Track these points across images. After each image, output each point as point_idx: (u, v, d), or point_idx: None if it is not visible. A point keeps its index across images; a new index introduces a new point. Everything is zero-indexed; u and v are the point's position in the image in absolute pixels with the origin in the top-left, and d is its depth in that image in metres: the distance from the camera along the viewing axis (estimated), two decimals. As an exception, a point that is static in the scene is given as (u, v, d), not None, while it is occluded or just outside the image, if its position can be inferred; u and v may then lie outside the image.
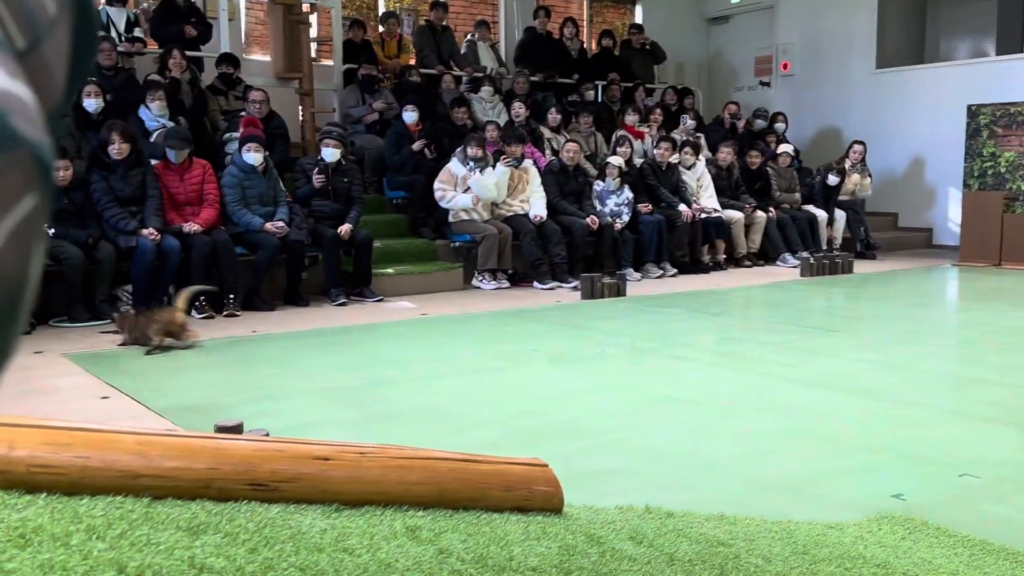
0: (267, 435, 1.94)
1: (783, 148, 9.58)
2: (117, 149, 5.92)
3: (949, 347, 5.18)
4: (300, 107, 8.61)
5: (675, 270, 8.29)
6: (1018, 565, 2.12)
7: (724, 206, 8.90)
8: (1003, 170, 8.84)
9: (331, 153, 6.75)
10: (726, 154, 9.09)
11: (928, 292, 7.52)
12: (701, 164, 8.96)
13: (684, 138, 9.34)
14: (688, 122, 9.88)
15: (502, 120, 8.72)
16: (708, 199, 8.82)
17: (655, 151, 8.70)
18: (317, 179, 6.68)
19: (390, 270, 7.15)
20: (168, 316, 4.97)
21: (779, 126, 10.44)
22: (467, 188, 7.48)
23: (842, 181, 9.60)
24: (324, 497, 1.65)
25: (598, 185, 8.22)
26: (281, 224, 6.40)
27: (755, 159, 9.32)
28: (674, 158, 8.75)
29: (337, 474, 1.67)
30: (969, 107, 9.16)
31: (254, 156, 6.42)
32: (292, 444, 1.71)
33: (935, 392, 3.96)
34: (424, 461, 1.80)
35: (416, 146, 7.97)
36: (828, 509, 2.52)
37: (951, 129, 9.88)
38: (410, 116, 8.06)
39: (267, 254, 6.30)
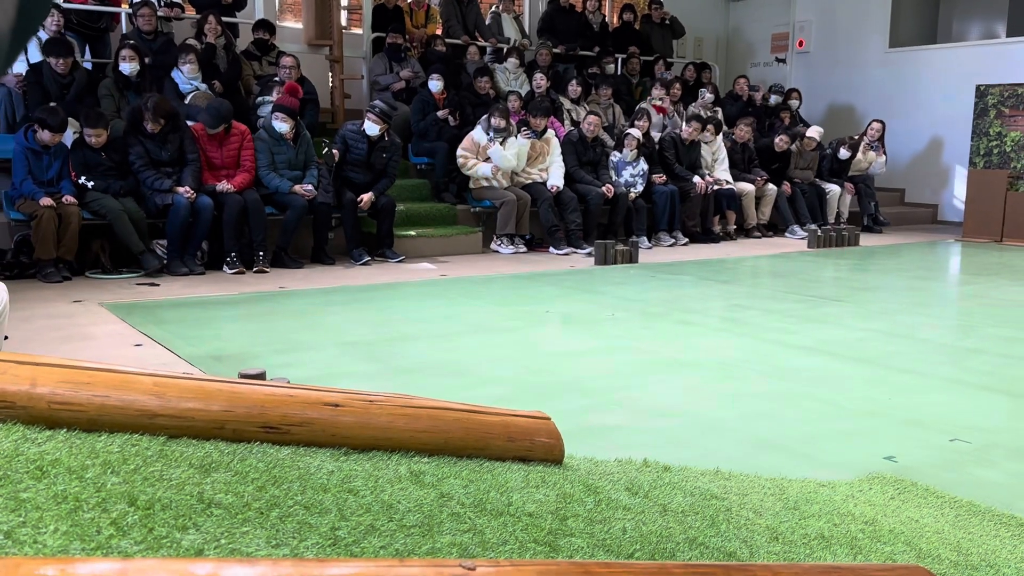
0: (288, 383, 1.94)
1: (812, 132, 9.31)
2: (151, 127, 5.89)
3: (948, 318, 5.11)
4: (330, 73, 8.56)
5: (686, 239, 8.22)
6: (1002, 526, 2.09)
7: (736, 179, 8.79)
8: (1008, 149, 8.66)
9: (372, 128, 6.65)
10: (744, 131, 8.95)
11: (931, 266, 7.42)
12: (719, 139, 8.83)
13: (705, 113, 9.19)
14: (707, 96, 9.72)
15: (524, 91, 8.62)
16: (721, 172, 8.71)
17: (685, 128, 8.51)
18: (325, 155, 6.57)
19: (412, 232, 7.13)
20: None
21: (793, 103, 10.26)
22: (487, 158, 7.42)
23: (853, 156, 9.44)
24: (333, 441, 1.65)
25: (615, 156, 8.13)
26: (310, 187, 6.38)
27: (783, 144, 9.05)
28: (698, 135, 8.61)
29: (346, 420, 1.66)
30: (978, 87, 8.96)
31: (281, 125, 6.37)
32: (304, 390, 1.70)
33: (932, 361, 3.91)
34: (431, 410, 1.79)
35: (440, 114, 7.90)
36: (821, 469, 2.50)
37: (960, 108, 9.70)
38: (435, 85, 7.99)
39: (295, 214, 6.30)
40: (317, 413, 1.65)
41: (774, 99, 10.17)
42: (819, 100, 11.37)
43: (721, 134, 8.87)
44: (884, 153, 9.67)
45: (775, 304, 5.21)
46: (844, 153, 9.37)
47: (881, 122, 9.63)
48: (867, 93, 10.97)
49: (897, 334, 4.43)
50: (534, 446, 1.92)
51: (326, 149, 6.59)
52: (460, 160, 7.52)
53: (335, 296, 5.25)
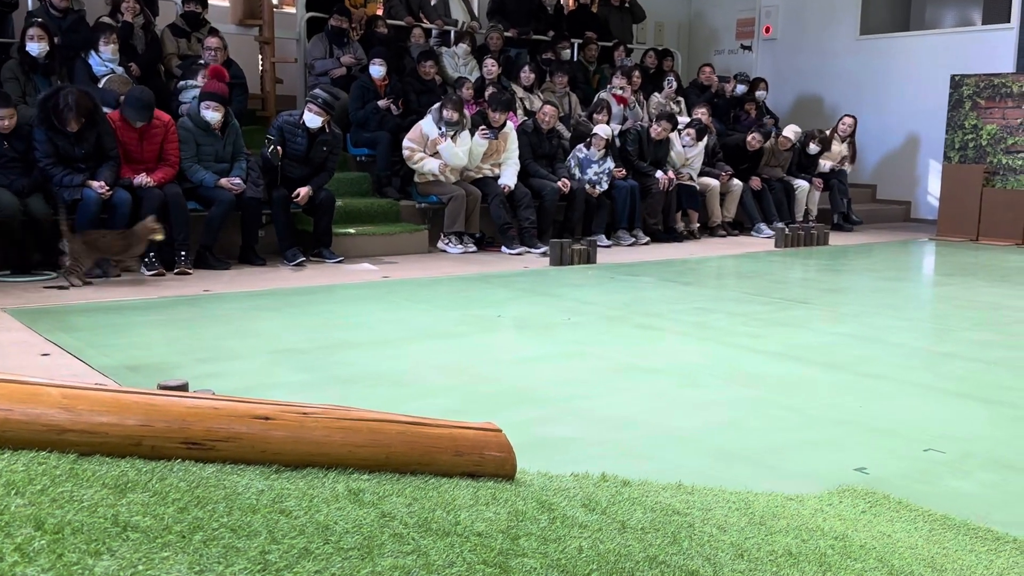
0: (213, 395, 1.91)
1: (788, 132, 9.44)
2: (72, 127, 5.70)
3: (922, 321, 5.25)
4: (260, 56, 8.47)
5: (647, 238, 8.31)
6: (978, 540, 2.16)
7: (699, 174, 8.90)
8: (984, 143, 8.93)
9: (314, 120, 6.57)
10: (702, 117, 9.04)
11: (903, 266, 7.61)
12: (700, 146, 8.80)
13: (674, 108, 9.29)
14: (671, 84, 9.82)
15: (473, 77, 8.63)
16: (687, 171, 8.79)
17: (654, 127, 8.52)
18: (270, 154, 6.48)
19: (351, 230, 7.08)
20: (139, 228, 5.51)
21: (760, 93, 10.43)
22: (436, 152, 7.40)
23: (823, 151, 9.63)
24: (263, 458, 1.63)
25: (581, 152, 8.17)
26: (238, 181, 6.30)
27: (756, 143, 9.17)
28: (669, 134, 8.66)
29: (278, 434, 1.65)
30: (952, 77, 9.21)
31: (212, 115, 6.27)
32: (230, 402, 1.68)
33: (905, 366, 4.01)
34: (371, 423, 1.78)
35: (382, 104, 7.86)
36: (789, 481, 2.55)
37: (933, 100, 9.95)
38: (377, 70, 7.95)
39: (221, 210, 6.21)
40: (245, 427, 1.63)
41: (740, 89, 10.33)
42: (787, 90, 11.59)
43: (705, 141, 8.86)
44: (854, 150, 9.86)
45: (741, 307, 5.30)
46: (813, 148, 9.56)
47: (852, 117, 9.84)
48: (837, 83, 11.21)
49: (868, 338, 4.53)
50: (484, 460, 1.92)
51: (271, 148, 6.47)
52: (406, 153, 7.49)
53: (266, 300, 5.20)
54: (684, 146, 8.71)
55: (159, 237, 5.60)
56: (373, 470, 1.74)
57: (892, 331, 4.74)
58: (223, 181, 6.25)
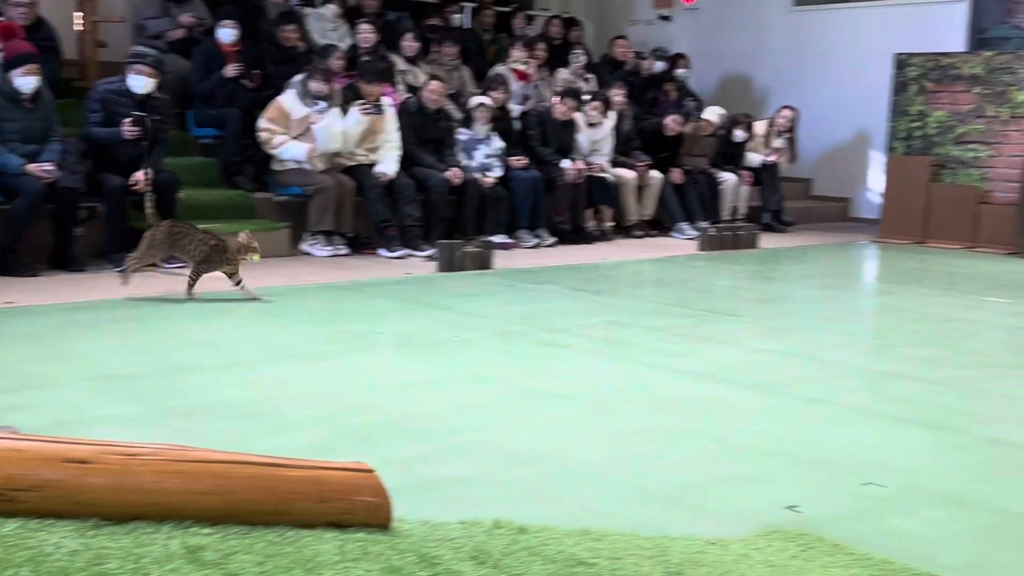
0: (16, 433, 1.85)
1: (709, 114, 9.68)
2: None
3: (862, 336, 5.47)
4: (77, 15, 8.21)
5: (553, 239, 8.40)
6: (921, 586, 2.26)
7: (614, 164, 9.07)
8: (932, 132, 9.37)
9: (142, 84, 6.38)
10: (618, 100, 9.22)
11: (842, 272, 7.91)
12: (608, 123, 8.99)
13: (578, 82, 9.43)
14: (580, 58, 9.97)
15: (344, 45, 8.58)
16: (597, 155, 8.93)
17: (557, 105, 8.65)
18: (130, 131, 6.32)
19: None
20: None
21: (680, 71, 10.69)
22: (304, 132, 7.31)
23: (751, 138, 9.93)
24: (79, 510, 1.60)
25: (463, 134, 8.20)
26: (49, 166, 6.10)
27: (675, 127, 9.38)
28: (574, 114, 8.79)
29: (96, 481, 1.62)
30: (897, 56, 9.63)
31: (27, 81, 6.05)
32: (38, 443, 1.64)
33: (842, 388, 4.17)
34: (213, 465, 1.76)
35: (230, 71, 7.73)
36: (711, 523, 2.62)
37: (876, 82, 10.33)
38: (226, 33, 7.82)
39: (27, 202, 6.00)
40: (57, 473, 1.60)
41: (658, 66, 10.56)
42: (711, 68, 11.88)
43: (612, 118, 9.04)
44: (794, 147, 10.19)
45: (659, 320, 5.41)
46: (739, 135, 9.85)
47: (792, 109, 10.15)
48: (768, 61, 11.56)
49: (802, 355, 4.70)
50: (353, 507, 1.92)
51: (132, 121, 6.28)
52: (263, 136, 7.38)
53: (85, 314, 5.05)
54: (590, 124, 8.84)
55: (256, 259, 5.52)
56: (217, 522, 1.72)
57: (829, 348, 4.92)
58: (31, 166, 6.04)
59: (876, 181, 10.57)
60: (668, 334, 5.05)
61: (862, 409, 3.85)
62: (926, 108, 9.40)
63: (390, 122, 7.75)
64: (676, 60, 10.77)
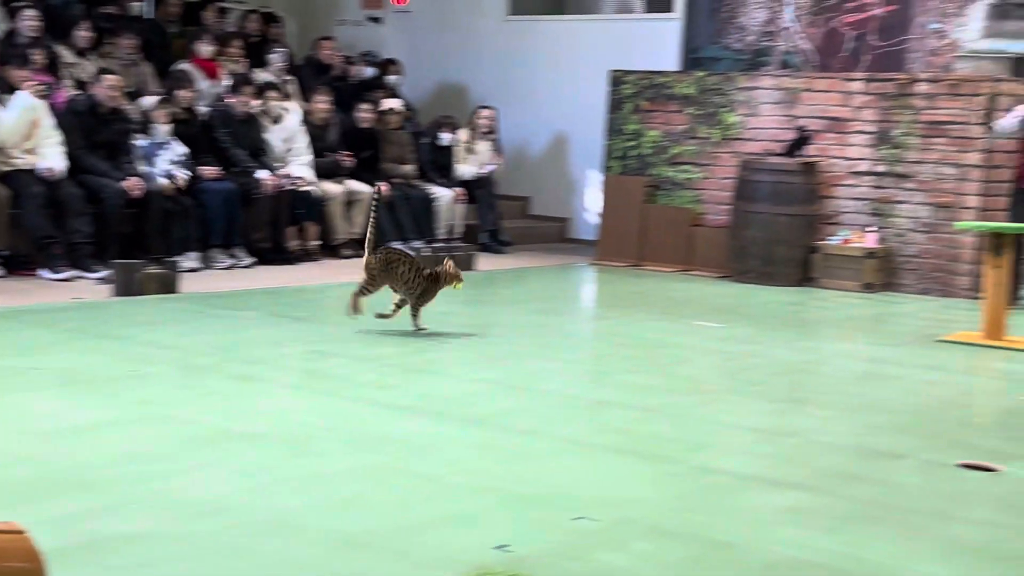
0: None
1: (390, 103, 9.90)
2: None
3: (577, 363, 5.74)
4: None
5: (251, 259, 8.30)
6: (629, 622, 2.41)
7: (320, 176, 9.05)
8: (647, 152, 9.98)
9: None
10: (322, 106, 9.23)
11: (559, 296, 8.27)
12: (294, 118, 9.02)
13: (271, 81, 9.35)
14: (280, 58, 9.88)
15: None
16: (299, 166, 8.90)
17: (233, 97, 8.56)
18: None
19: None
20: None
21: (392, 78, 10.83)
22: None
23: (459, 144, 10.17)
24: None
25: (141, 140, 7.93)
26: None
27: (366, 115, 9.53)
28: (256, 106, 8.72)
29: None
30: (612, 73, 10.18)
31: None
32: None
33: (556, 418, 4.37)
34: None
35: None
36: (418, 570, 2.68)
37: (592, 99, 10.86)
38: None
39: None
40: None
41: (368, 72, 10.65)
42: (426, 77, 12.08)
43: (297, 112, 9.08)
44: (498, 148, 10.56)
45: (368, 349, 5.46)
46: (445, 138, 10.10)
47: (491, 108, 10.51)
48: (483, 70, 11.89)
49: (516, 386, 4.89)
50: (0, 576, 1.82)
51: None
52: None
53: None
54: (275, 120, 8.83)
55: (459, 287, 5.88)
56: None
57: (543, 376, 5.14)
58: None
59: (594, 201, 11.07)
60: (377, 364, 5.11)
61: (576, 440, 4.05)
62: (641, 127, 9.99)
63: (45, 118, 7.41)
64: (387, 66, 10.91)
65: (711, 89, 9.60)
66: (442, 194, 9.95)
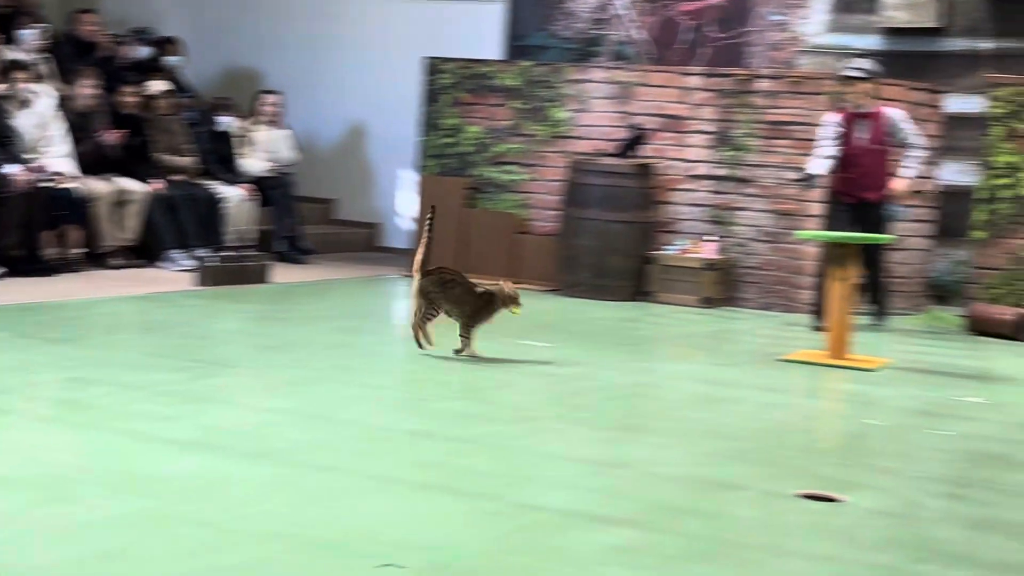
0: None
1: (157, 85, 9.67)
2: None
3: (385, 389, 5.70)
4: None
5: (1, 269, 7.97)
6: None
7: (85, 171, 8.79)
8: (468, 150, 10.01)
9: None
10: (86, 90, 8.97)
11: (367, 312, 8.21)
12: (47, 103, 8.76)
13: (19, 59, 9.03)
14: (31, 34, 9.55)
15: None
16: (57, 158, 8.64)
17: None
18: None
19: None
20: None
21: (172, 59, 10.59)
22: None
23: (242, 137, 10.04)
24: None
25: None
26: None
27: (129, 100, 9.36)
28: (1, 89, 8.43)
29: None
30: (426, 61, 10.19)
31: None
32: None
33: (359, 452, 4.32)
34: None
35: None
36: (193, 631, 2.59)
37: (405, 90, 10.88)
38: None
39: None
40: None
41: (142, 52, 10.39)
42: (213, 59, 11.85)
43: (52, 96, 8.79)
44: (291, 138, 10.46)
45: (140, 375, 5.31)
46: (225, 122, 9.92)
47: (276, 93, 10.40)
48: (282, 55, 11.75)
49: (314, 415, 4.81)
50: None
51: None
52: None
53: None
54: (22, 102, 8.55)
55: (517, 312, 6.14)
56: None
57: (346, 404, 5.08)
58: None
59: (407, 205, 11.04)
60: (151, 393, 4.96)
61: (382, 477, 4.00)
62: (460, 122, 10.03)
63: None
64: (164, 45, 10.66)
65: (537, 81, 9.73)
66: (230, 194, 9.76)
